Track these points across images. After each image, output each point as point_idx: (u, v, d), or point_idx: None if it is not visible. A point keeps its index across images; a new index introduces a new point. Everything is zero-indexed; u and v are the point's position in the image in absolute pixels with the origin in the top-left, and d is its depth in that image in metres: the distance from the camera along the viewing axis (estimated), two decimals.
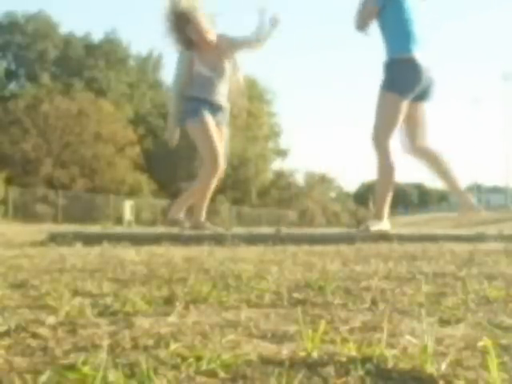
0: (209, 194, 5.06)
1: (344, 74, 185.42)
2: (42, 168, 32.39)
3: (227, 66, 5.13)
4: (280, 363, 0.87)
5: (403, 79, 4.49)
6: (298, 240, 3.96)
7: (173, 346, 0.94)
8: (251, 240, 3.88)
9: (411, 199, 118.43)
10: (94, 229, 6.70)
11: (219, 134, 5.07)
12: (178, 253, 2.96)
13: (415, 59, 4.45)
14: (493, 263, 2.36)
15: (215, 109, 5.07)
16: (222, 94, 5.12)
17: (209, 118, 4.98)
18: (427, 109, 4.71)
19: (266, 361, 0.88)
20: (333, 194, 61.17)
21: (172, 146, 5.31)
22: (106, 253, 3.03)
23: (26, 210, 27.37)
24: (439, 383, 0.80)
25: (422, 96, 4.58)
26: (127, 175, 35.62)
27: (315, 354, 0.91)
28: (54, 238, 4.28)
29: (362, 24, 4.62)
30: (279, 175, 48.21)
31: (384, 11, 4.54)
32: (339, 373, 0.83)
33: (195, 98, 5.01)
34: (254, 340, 1.03)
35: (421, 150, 4.64)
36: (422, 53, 4.49)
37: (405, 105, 4.50)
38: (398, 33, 4.52)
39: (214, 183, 5.02)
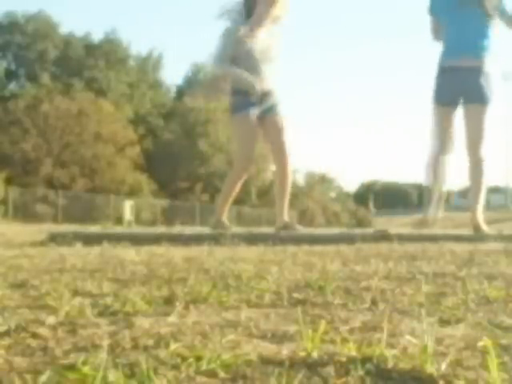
0: (234, 194, 4.95)
1: (344, 74, 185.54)
2: (42, 168, 32.39)
3: (276, 49, 4.96)
4: (280, 363, 0.87)
5: (436, 87, 4.76)
6: (298, 240, 3.96)
7: (173, 346, 0.94)
8: (251, 240, 3.88)
9: (411, 199, 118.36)
10: (94, 229, 6.69)
11: (272, 125, 4.90)
12: (177, 253, 2.96)
13: (448, 67, 4.67)
14: (493, 263, 2.36)
15: (262, 97, 4.85)
16: (269, 78, 4.89)
17: (252, 116, 4.79)
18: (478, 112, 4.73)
19: (266, 361, 0.88)
20: (333, 194, 61.23)
21: (191, 102, 5.00)
22: (106, 253, 3.03)
23: (26, 210, 27.36)
24: (439, 383, 0.80)
25: (465, 100, 4.69)
26: (127, 175, 35.61)
27: (315, 354, 0.90)
28: (54, 238, 4.28)
29: (432, 35, 4.94)
30: None
31: (440, 20, 4.84)
32: (339, 373, 0.83)
33: (241, 91, 4.79)
34: (254, 340, 1.03)
35: (468, 153, 4.76)
36: (465, 59, 4.64)
37: (440, 111, 4.74)
38: (443, 42, 4.80)
39: (240, 184, 4.90)
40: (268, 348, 0.96)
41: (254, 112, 4.82)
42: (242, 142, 4.86)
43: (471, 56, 4.64)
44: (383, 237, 4.06)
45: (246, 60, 4.79)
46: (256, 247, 3.45)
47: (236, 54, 4.77)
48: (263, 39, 4.87)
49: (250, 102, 4.80)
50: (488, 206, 4.91)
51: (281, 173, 4.96)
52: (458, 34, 4.69)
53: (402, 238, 3.88)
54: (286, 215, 5.01)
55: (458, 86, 4.63)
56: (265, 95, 4.87)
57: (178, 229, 5.97)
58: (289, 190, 5.04)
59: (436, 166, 4.76)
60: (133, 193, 34.36)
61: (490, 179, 4.80)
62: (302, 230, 4.90)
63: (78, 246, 3.73)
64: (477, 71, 4.62)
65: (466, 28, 4.68)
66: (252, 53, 4.80)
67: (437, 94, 4.74)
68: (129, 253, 2.97)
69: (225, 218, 4.98)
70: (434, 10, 4.85)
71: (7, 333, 1.07)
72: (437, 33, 4.90)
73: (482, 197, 4.67)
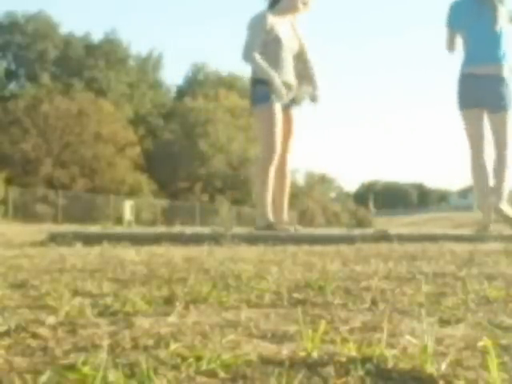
0: (271, 186, 4.78)
1: (344, 74, 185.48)
2: (41, 168, 32.39)
3: (297, 44, 4.97)
4: (280, 363, 0.87)
5: (459, 94, 4.95)
6: (298, 240, 3.96)
7: (173, 346, 0.94)
8: (251, 240, 3.88)
9: (411, 199, 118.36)
10: (94, 229, 6.69)
11: (286, 119, 4.88)
12: (177, 253, 2.96)
13: (469, 73, 4.86)
14: (493, 263, 2.36)
15: (286, 89, 4.83)
16: (291, 71, 4.91)
17: (278, 106, 4.77)
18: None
19: (266, 361, 0.88)
20: (333, 194, 61.31)
21: (285, 98, 4.75)
22: (106, 253, 3.03)
23: (26, 210, 27.36)
24: (439, 383, 0.80)
25: (489, 107, 4.86)
26: (127, 175, 35.61)
27: (315, 354, 0.90)
28: (54, 238, 4.28)
29: (446, 45, 5.08)
30: None
31: (459, 32, 5.01)
32: (339, 373, 0.83)
33: (264, 81, 4.75)
34: (254, 340, 1.03)
35: (494, 157, 4.93)
36: (484, 66, 4.83)
37: (468, 115, 4.90)
38: (464, 50, 4.96)
39: (271, 172, 4.76)
40: (268, 348, 0.96)
41: (278, 102, 4.77)
42: (266, 133, 4.77)
43: (490, 63, 4.83)
44: (383, 237, 4.07)
45: (273, 46, 4.78)
46: (256, 247, 3.45)
47: (264, 42, 4.76)
48: (287, 30, 4.87)
49: (273, 93, 4.74)
50: None
51: (280, 172, 4.95)
52: (478, 43, 4.86)
53: (401, 238, 3.89)
54: (286, 214, 5.00)
55: (480, 92, 4.81)
56: (289, 88, 4.85)
57: (177, 229, 5.96)
58: (288, 189, 5.03)
59: (480, 168, 4.87)
60: (133, 193, 34.35)
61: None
62: (290, 229, 4.73)
63: (78, 246, 3.73)
64: (496, 78, 4.82)
65: (485, 37, 4.86)
66: (279, 39, 4.79)
67: (462, 100, 4.92)
68: (129, 253, 2.97)
69: (271, 216, 4.74)
70: (452, 22, 5.00)
71: (7, 333, 1.07)
72: (452, 44, 5.06)
73: (505, 188, 4.82)
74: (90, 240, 3.98)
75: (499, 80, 4.82)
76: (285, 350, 0.94)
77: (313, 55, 5.14)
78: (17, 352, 0.94)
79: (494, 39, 4.87)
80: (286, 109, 4.89)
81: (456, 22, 4.98)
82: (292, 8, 4.88)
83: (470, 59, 4.90)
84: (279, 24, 4.82)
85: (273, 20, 4.80)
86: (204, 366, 0.84)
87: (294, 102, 4.98)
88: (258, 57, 4.71)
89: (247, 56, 4.75)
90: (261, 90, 4.77)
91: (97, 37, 53.03)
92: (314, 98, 5.07)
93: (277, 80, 4.70)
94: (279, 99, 4.75)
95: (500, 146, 4.86)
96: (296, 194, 45.55)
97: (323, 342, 0.97)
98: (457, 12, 4.98)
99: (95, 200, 31.66)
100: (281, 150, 4.86)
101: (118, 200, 31.66)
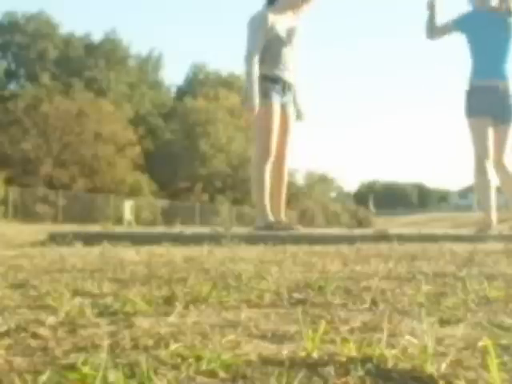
0: (267, 185, 4.76)
1: (343, 73, 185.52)
2: (41, 168, 32.40)
3: (298, 43, 4.96)
4: (280, 363, 0.87)
5: (469, 104, 5.04)
6: (297, 240, 3.96)
7: (173, 346, 0.94)
8: (251, 240, 3.88)
9: (411, 199, 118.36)
10: (94, 229, 6.69)
11: (284, 117, 4.86)
12: (178, 253, 2.96)
13: (478, 86, 4.97)
14: (493, 263, 2.36)
15: (285, 87, 4.83)
16: (292, 69, 4.89)
17: (277, 104, 4.75)
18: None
19: (265, 361, 0.88)
20: (333, 194, 61.34)
21: (254, 112, 4.64)
22: (106, 253, 3.03)
23: (26, 210, 27.36)
24: (439, 383, 0.80)
25: (499, 119, 5.00)
26: (127, 175, 35.63)
27: (315, 354, 0.90)
28: (54, 238, 4.28)
29: (432, 31, 5.17)
30: None
31: (465, 38, 5.09)
32: (339, 373, 0.83)
33: (266, 77, 4.73)
34: (254, 340, 1.03)
35: (497, 167, 5.08)
36: (497, 78, 4.96)
37: (477, 122, 4.99)
38: (472, 60, 5.05)
39: (267, 171, 4.75)
40: (268, 348, 0.96)
41: (277, 100, 4.76)
42: (262, 131, 4.75)
43: (501, 79, 4.96)
44: (383, 237, 4.07)
45: (274, 44, 4.76)
46: (256, 247, 3.45)
47: (265, 39, 4.74)
48: (288, 26, 4.84)
49: (274, 89, 4.74)
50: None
51: (277, 171, 4.94)
52: (488, 56, 4.97)
53: (401, 238, 3.89)
54: (283, 213, 5.00)
55: (492, 102, 4.93)
56: (288, 87, 4.85)
57: (177, 229, 5.96)
58: (285, 188, 5.03)
59: (485, 171, 4.99)
60: (133, 193, 34.35)
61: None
62: (290, 228, 4.73)
63: (78, 246, 3.73)
64: (505, 91, 4.95)
65: (495, 50, 4.97)
66: (280, 37, 4.77)
67: (473, 108, 5.00)
68: (129, 253, 2.98)
69: (271, 216, 4.75)
70: (463, 23, 5.07)
71: (7, 333, 1.07)
72: (436, 34, 5.16)
73: None
74: (89, 240, 3.99)
75: (508, 92, 4.96)
76: (285, 350, 0.94)
77: (301, 64, 5.17)
78: (17, 352, 0.94)
79: (504, 52, 4.97)
80: (284, 107, 4.88)
81: (467, 25, 5.05)
82: (292, 4, 4.86)
83: (481, 72, 4.99)
84: (279, 21, 4.80)
85: (273, 18, 4.77)
86: (204, 366, 0.84)
87: (290, 103, 4.96)
88: (254, 66, 4.69)
89: (247, 60, 4.74)
90: (260, 87, 4.75)
91: (97, 37, 53.10)
92: (299, 116, 5.08)
93: (252, 102, 4.65)
94: (246, 107, 4.73)
95: (501, 157, 5.00)
96: (296, 194, 45.54)
97: (323, 342, 0.97)
98: (472, 18, 5.05)
99: (95, 200, 31.67)
100: (278, 148, 4.85)
101: (117, 200, 31.66)
